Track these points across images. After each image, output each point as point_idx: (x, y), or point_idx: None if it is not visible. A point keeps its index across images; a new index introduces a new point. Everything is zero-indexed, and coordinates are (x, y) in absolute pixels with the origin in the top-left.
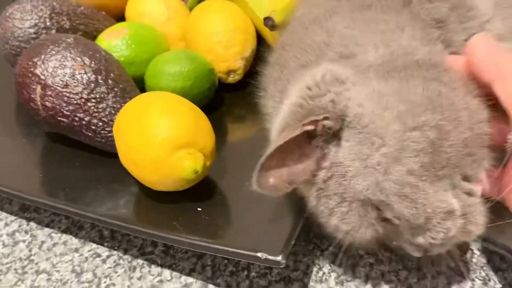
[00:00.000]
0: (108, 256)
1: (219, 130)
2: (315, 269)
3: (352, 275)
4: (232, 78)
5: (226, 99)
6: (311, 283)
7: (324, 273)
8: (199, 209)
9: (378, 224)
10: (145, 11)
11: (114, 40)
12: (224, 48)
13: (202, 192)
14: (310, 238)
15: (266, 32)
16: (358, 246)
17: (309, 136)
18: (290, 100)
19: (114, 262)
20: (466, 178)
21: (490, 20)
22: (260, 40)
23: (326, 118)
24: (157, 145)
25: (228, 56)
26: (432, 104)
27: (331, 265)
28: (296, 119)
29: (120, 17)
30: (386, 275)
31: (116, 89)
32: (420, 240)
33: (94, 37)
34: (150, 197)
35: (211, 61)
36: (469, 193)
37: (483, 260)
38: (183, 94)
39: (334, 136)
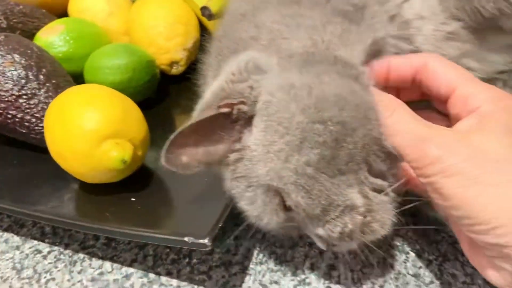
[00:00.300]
0: (49, 252)
1: (165, 122)
2: (255, 251)
3: (292, 255)
4: (176, 70)
5: (172, 90)
6: (251, 265)
7: (264, 255)
8: (132, 199)
9: (281, 211)
10: (85, 7)
11: (50, 37)
12: (165, 39)
13: (138, 182)
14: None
15: (208, 22)
16: (271, 232)
17: (231, 120)
18: (215, 83)
19: (55, 257)
20: (375, 175)
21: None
22: (205, 30)
23: (242, 103)
24: (82, 137)
25: (169, 47)
26: (340, 101)
27: (272, 247)
28: (215, 101)
29: (62, 15)
30: (325, 253)
31: (48, 85)
32: (320, 231)
33: (33, 36)
34: (88, 191)
35: (153, 54)
36: (378, 191)
37: (418, 233)
38: (122, 87)
39: (249, 121)
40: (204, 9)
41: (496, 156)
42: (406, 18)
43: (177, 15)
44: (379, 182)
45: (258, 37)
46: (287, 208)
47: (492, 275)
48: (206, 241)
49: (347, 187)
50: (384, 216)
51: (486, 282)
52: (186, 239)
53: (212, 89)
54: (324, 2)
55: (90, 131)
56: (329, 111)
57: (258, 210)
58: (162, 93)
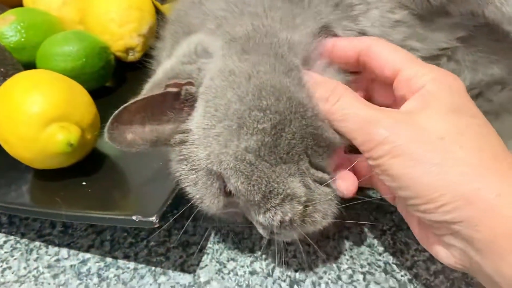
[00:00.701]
0: (5, 242)
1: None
2: (213, 232)
3: (249, 233)
4: (132, 56)
5: (130, 77)
6: (209, 245)
7: (222, 235)
8: (83, 183)
9: (222, 195)
10: None
11: (1, 27)
12: (118, 26)
13: (90, 167)
14: None
15: (162, 7)
16: (214, 216)
17: (179, 101)
18: (166, 63)
19: (11, 246)
20: (317, 167)
21: None
22: (161, 16)
23: (189, 83)
24: (27, 122)
25: (123, 33)
26: (276, 92)
27: (229, 225)
28: (163, 80)
29: (18, 6)
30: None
31: None
32: (261, 218)
33: None
34: (41, 178)
35: (107, 41)
36: (320, 182)
37: (373, 205)
38: (75, 74)
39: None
40: None
41: (439, 135)
42: (350, 1)
43: (131, 1)
44: (319, 174)
45: (206, 22)
46: (227, 193)
47: (442, 254)
48: (153, 218)
49: (288, 176)
50: (326, 207)
51: None
52: (134, 217)
53: (163, 69)
54: None
55: (34, 115)
56: (267, 99)
57: (200, 193)
58: (119, 80)
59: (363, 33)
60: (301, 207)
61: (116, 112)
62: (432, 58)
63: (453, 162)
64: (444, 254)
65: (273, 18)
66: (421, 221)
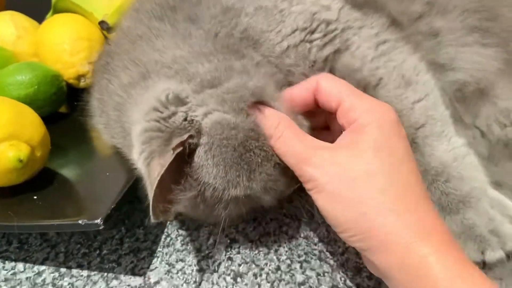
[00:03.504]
0: None
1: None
2: (163, 236)
3: (197, 235)
4: (84, 83)
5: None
6: (159, 249)
7: (171, 238)
8: (35, 197)
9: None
10: None
11: None
12: (70, 55)
13: (41, 183)
14: None
15: (109, 35)
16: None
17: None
18: (139, 125)
19: None
20: None
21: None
22: None
23: (190, 137)
24: None
25: (75, 62)
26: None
27: (178, 230)
28: (160, 144)
29: None
30: (226, 229)
31: None
32: None
33: None
34: None
35: (60, 69)
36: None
37: (310, 202)
38: (29, 100)
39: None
40: (102, 23)
41: (354, 175)
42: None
43: (80, 32)
44: None
45: (162, 60)
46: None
47: (370, 268)
48: (98, 221)
49: None
50: None
51: None
52: (80, 221)
53: (143, 133)
54: (213, 37)
55: None
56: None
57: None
58: (73, 106)
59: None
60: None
61: (152, 198)
62: None
63: (359, 202)
64: (371, 268)
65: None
66: None
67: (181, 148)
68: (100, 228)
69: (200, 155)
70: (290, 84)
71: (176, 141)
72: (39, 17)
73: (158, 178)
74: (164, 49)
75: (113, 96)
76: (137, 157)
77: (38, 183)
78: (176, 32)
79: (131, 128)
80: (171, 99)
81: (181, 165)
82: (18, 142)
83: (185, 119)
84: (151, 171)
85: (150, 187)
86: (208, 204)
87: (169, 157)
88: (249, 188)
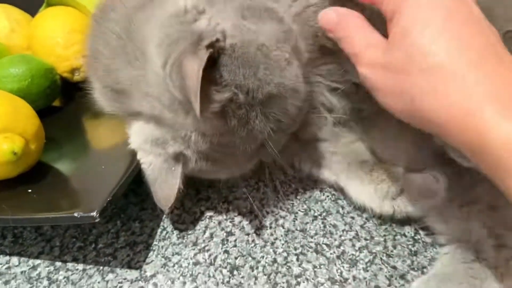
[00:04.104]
0: None
1: (71, 124)
2: (159, 230)
3: (193, 228)
4: (78, 76)
5: (77, 96)
6: (155, 242)
7: (167, 232)
8: (29, 190)
9: None
10: None
11: None
12: (63, 48)
13: (36, 175)
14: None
15: None
16: None
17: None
18: (160, 33)
19: None
20: None
21: None
22: None
23: (217, 40)
24: None
25: (68, 55)
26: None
27: (174, 224)
28: (190, 45)
29: None
30: (223, 222)
31: None
32: None
33: None
34: None
35: (54, 63)
36: None
37: (306, 195)
38: (23, 94)
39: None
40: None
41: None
42: None
43: (73, 25)
44: None
45: None
46: None
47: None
48: (94, 213)
49: None
50: None
51: (362, 227)
52: (75, 214)
53: (171, 37)
54: None
55: None
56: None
57: None
58: (67, 100)
59: None
60: None
61: (197, 96)
62: None
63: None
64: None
65: None
66: None
67: (211, 50)
68: (96, 221)
69: (226, 59)
70: None
71: (206, 41)
72: (32, 11)
73: (201, 70)
74: None
75: (119, 23)
76: (162, 64)
77: (33, 176)
78: None
79: (145, 47)
80: (190, 8)
81: (210, 70)
82: (12, 134)
83: (209, 25)
84: (186, 68)
85: (192, 82)
86: (242, 116)
87: (203, 54)
88: (281, 85)
